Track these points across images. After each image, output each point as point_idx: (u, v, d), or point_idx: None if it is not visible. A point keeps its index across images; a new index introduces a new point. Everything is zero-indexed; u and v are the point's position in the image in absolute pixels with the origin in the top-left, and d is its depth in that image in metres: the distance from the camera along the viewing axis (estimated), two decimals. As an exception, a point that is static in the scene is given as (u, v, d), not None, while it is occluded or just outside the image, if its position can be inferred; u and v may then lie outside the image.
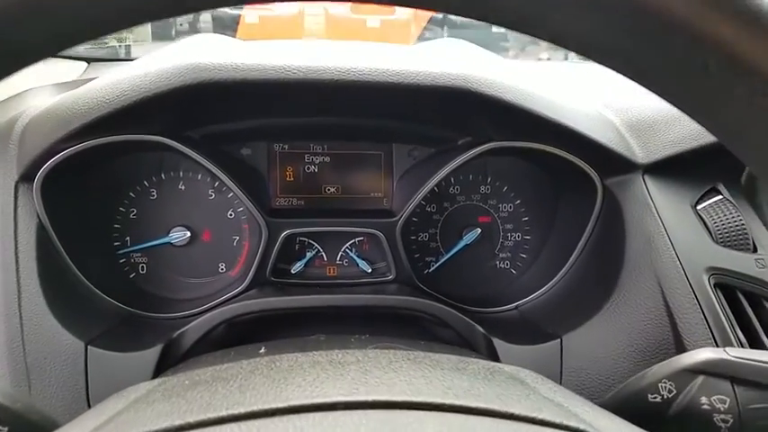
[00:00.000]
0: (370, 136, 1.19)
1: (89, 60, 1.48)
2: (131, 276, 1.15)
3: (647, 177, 1.00)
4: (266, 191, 1.19)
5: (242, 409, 0.40)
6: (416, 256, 1.23)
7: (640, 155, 1.00)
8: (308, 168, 1.21)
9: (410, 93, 0.84)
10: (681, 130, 1.00)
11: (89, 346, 0.88)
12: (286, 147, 1.19)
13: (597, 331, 0.94)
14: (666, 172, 1.00)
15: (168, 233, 1.14)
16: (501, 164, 1.20)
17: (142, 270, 1.16)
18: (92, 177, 1.06)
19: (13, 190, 0.93)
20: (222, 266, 1.18)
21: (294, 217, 1.14)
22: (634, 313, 0.92)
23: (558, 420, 0.42)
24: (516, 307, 1.15)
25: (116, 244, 1.14)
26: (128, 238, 1.14)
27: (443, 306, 1.03)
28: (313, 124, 1.08)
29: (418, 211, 1.21)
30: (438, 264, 1.23)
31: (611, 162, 1.00)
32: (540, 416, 0.42)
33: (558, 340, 0.95)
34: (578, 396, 0.54)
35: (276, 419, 0.40)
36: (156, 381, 0.57)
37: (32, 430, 0.55)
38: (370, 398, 0.42)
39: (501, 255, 1.25)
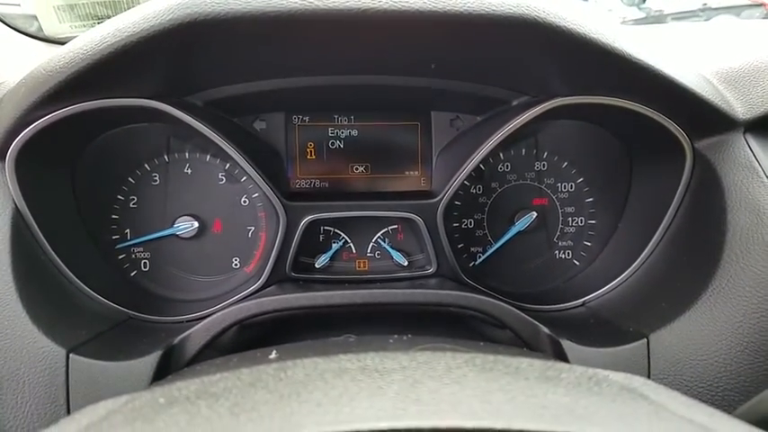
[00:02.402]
0: (405, 102, 1.03)
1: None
2: (132, 274, 1.00)
3: (749, 137, 0.84)
4: (284, 171, 1.05)
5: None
6: (460, 246, 1.06)
7: (740, 109, 0.84)
8: (333, 144, 1.05)
9: (459, 27, 0.67)
10: (789, 78, 0.83)
11: (71, 354, 0.73)
12: (306, 119, 1.04)
13: (694, 327, 0.77)
14: (773, 129, 0.84)
15: (173, 224, 1.01)
16: (560, 134, 1.03)
17: (144, 267, 1.01)
18: (81, 158, 0.93)
19: None
20: (236, 261, 1.03)
21: (317, 201, 0.99)
22: (742, 302, 0.76)
23: None
24: (583, 303, 0.98)
25: (114, 237, 1.00)
26: (127, 230, 1.00)
27: (499, 302, 0.84)
28: (337, 89, 0.92)
29: (461, 193, 1.05)
30: (486, 254, 1.07)
31: (705, 119, 0.83)
32: None
33: (644, 340, 0.78)
34: (719, 412, 0.41)
35: None
36: (124, 398, 0.43)
37: None
38: (425, 423, 0.30)
39: (561, 243, 1.08)
